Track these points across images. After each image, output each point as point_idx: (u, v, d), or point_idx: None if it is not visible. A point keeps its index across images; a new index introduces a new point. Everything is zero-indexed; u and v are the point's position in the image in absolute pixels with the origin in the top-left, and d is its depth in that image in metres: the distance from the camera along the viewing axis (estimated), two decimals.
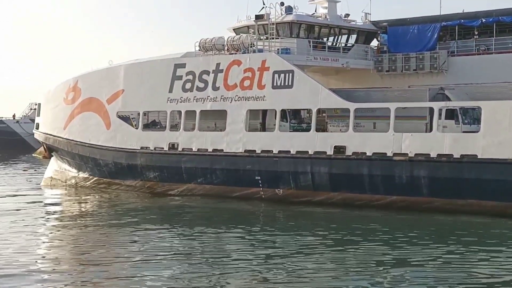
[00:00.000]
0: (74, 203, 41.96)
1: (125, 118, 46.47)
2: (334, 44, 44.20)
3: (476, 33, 41.25)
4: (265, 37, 41.71)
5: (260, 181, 39.47)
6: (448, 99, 36.27)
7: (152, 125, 46.79)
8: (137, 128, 45.32)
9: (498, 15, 39.81)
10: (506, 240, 27.88)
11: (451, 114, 35.59)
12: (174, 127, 44.06)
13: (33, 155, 59.44)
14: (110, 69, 47.40)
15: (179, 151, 42.70)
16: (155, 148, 43.86)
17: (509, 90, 35.37)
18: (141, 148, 44.43)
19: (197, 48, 43.51)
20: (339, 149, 37.14)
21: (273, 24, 41.27)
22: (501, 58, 39.35)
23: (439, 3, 43.14)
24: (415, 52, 41.97)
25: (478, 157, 33.61)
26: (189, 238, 29.11)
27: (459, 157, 34.08)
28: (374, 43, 45.44)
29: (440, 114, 35.28)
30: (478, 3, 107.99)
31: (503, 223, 31.26)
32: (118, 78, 46.33)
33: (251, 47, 41.34)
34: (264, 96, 39.89)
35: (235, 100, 40.82)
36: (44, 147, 51.42)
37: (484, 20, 40.28)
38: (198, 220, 34.32)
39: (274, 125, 39.81)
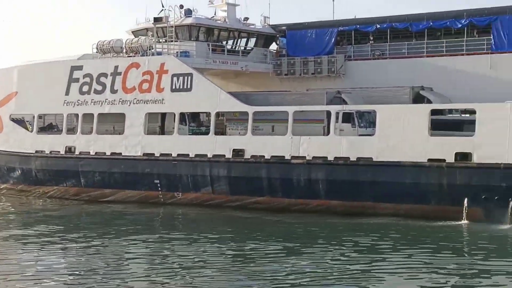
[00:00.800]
0: None
1: (20, 121, 45.17)
2: (234, 47, 44.35)
3: (371, 38, 42.28)
4: (164, 40, 41.41)
5: (159, 185, 39.14)
6: (345, 103, 36.95)
7: (48, 128, 45.67)
8: (31, 131, 44.14)
9: (392, 22, 40.95)
10: (399, 241, 28.58)
11: (347, 117, 36.25)
12: (71, 130, 43.14)
13: None
14: (1, 71, 46.12)
15: (76, 154, 41.85)
16: (50, 152, 42.83)
17: (403, 95, 36.37)
18: (36, 151, 43.29)
19: (95, 50, 42.76)
20: (237, 152, 37.26)
21: (172, 27, 41.02)
22: (395, 63, 40.45)
23: (332, 9, 44.04)
24: (313, 56, 42.65)
25: (373, 159, 34.38)
26: (84, 247, 28.44)
27: (355, 160, 34.77)
28: (273, 46, 45.88)
29: (337, 118, 35.91)
30: (370, 10, 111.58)
31: (397, 224, 32.07)
32: (11, 80, 45.03)
33: (149, 49, 40.96)
34: (163, 99, 39.60)
35: (134, 103, 40.35)
36: None
37: (378, 26, 41.35)
38: (96, 227, 33.54)
39: (173, 128, 39.58)
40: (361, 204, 34.49)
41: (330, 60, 41.99)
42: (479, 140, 32.07)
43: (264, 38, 44.89)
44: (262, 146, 36.71)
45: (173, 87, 39.22)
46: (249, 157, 36.82)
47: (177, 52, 40.91)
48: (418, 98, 36.60)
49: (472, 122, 32.91)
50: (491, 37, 37.81)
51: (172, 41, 40.94)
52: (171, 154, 38.84)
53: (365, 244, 27.87)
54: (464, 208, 31.92)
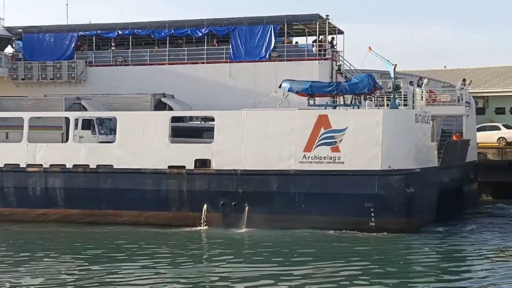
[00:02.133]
0: None
1: None
2: None
3: (113, 44, 41.70)
4: None
5: None
6: (85, 109, 36.08)
7: None
8: None
9: (134, 28, 40.71)
10: (136, 250, 28.24)
11: (87, 124, 35.45)
12: None
13: None
14: None
15: None
16: None
17: (144, 102, 36.28)
18: None
19: None
20: None
21: None
22: (137, 70, 40.24)
23: (66, 13, 43.04)
24: (52, 60, 41.12)
25: (114, 167, 33.85)
26: None
27: (95, 167, 34.00)
28: (9, 49, 43.56)
29: (76, 124, 34.97)
30: (104, 16, 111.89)
31: (136, 232, 31.78)
32: None
33: None
34: None
35: None
36: None
37: (120, 32, 40.89)
38: None
39: None
40: (101, 212, 33.80)
41: (70, 65, 40.78)
42: (217, 147, 32.78)
43: None
44: None
45: None
46: None
47: None
48: (159, 105, 36.69)
49: (212, 129, 33.60)
50: (230, 47, 38.97)
51: None
52: None
53: (102, 254, 27.16)
54: (203, 214, 32.43)
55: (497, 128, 43.82)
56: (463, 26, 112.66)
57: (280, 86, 33.47)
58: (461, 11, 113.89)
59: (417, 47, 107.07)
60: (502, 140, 44.87)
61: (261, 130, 32.26)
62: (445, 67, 61.62)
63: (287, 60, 38.08)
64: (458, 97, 38.00)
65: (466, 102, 38.15)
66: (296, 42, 40.75)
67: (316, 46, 38.11)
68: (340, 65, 38.00)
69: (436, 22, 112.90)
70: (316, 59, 37.27)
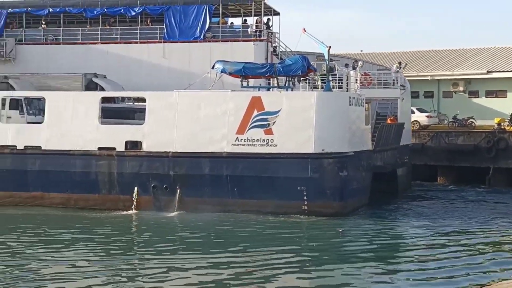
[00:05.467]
0: None
1: None
2: None
3: (44, 22, 40.67)
4: None
5: None
6: (13, 89, 35.17)
7: None
8: None
9: (65, 6, 39.69)
10: (70, 233, 27.67)
11: (15, 104, 34.60)
12: None
13: None
14: None
15: None
16: None
17: (75, 81, 35.56)
18: None
19: None
20: None
21: None
22: (68, 49, 39.33)
23: None
24: None
25: (42, 148, 33.10)
26: None
27: (22, 148, 33.20)
28: None
29: (3, 104, 34.14)
30: None
31: (65, 216, 31.17)
32: None
33: None
34: None
35: None
36: None
37: (51, 10, 39.83)
38: None
39: None
40: (29, 195, 33.09)
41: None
42: (149, 128, 32.26)
43: None
44: None
45: None
46: None
47: None
48: (90, 86, 35.93)
49: (143, 111, 33.03)
50: (164, 27, 38.32)
51: None
52: None
53: (22, 239, 26.47)
54: (134, 197, 31.93)
55: (411, 112, 44.34)
56: (376, 11, 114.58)
57: (213, 67, 33.03)
58: None
59: (337, 31, 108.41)
60: (416, 123, 45.59)
61: (193, 111, 31.83)
62: (361, 51, 62.12)
63: (222, 41, 37.62)
64: (393, 80, 38.13)
65: (401, 85, 38.30)
66: (232, 23, 40.30)
67: (252, 27, 37.70)
68: (275, 47, 37.68)
69: (347, 6, 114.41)
70: (251, 40, 36.89)
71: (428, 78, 53.77)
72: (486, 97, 52.31)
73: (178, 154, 31.76)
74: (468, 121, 46.18)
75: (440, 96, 54.34)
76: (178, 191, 31.64)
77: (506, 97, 51.46)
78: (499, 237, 27.07)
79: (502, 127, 42.97)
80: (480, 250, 24.39)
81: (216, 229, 28.54)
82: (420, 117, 46.26)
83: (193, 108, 31.84)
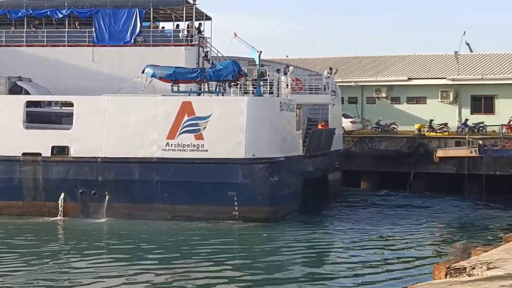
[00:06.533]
0: None
1: None
2: None
3: None
4: None
5: None
6: None
7: None
8: None
9: None
10: None
11: None
12: None
13: None
14: None
15: None
16: None
17: None
18: None
19: None
20: None
21: None
22: None
23: None
24: None
25: None
26: None
27: None
28: None
29: None
30: None
31: None
32: None
33: None
34: None
35: None
36: None
37: None
38: None
39: None
40: None
41: None
42: (76, 133, 30.41)
43: None
44: None
45: None
46: None
47: None
48: (15, 89, 33.63)
49: (71, 115, 31.04)
50: (93, 30, 36.24)
51: None
52: None
53: None
54: (60, 203, 29.94)
55: None
56: (305, 17, 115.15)
57: (143, 72, 31.41)
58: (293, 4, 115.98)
59: (266, 36, 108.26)
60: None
61: (122, 116, 30.18)
62: (287, 56, 61.31)
63: (153, 45, 35.78)
64: (324, 85, 37.14)
65: (332, 90, 37.33)
66: (163, 27, 38.56)
67: (183, 32, 36.04)
68: (207, 52, 36.16)
69: (277, 13, 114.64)
70: (182, 45, 35.22)
71: (352, 84, 53.12)
72: (407, 103, 51.93)
73: (107, 159, 30.05)
74: (391, 126, 45.66)
75: (364, 102, 53.75)
76: (107, 197, 29.88)
77: (426, 103, 51.20)
78: (423, 241, 26.70)
79: (422, 133, 42.67)
80: (405, 254, 24.00)
81: (145, 235, 27.10)
82: (345, 123, 45.50)
83: (122, 113, 30.17)
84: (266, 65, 35.12)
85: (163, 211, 29.60)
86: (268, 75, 32.23)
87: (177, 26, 37.25)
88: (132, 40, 35.79)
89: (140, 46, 35.71)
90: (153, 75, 30.98)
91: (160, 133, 29.71)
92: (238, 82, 31.71)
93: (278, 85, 32.29)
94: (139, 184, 29.89)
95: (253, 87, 31.47)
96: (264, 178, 29.59)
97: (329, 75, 38.42)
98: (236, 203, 29.22)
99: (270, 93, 31.83)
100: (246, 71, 32.00)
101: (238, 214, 29.23)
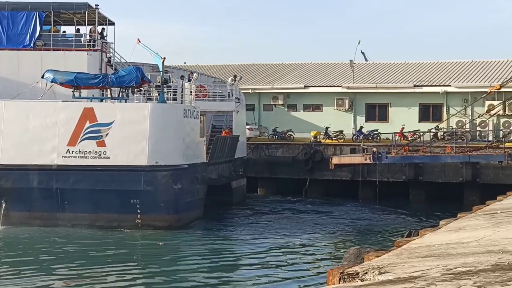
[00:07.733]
0: None
1: None
2: None
3: None
4: None
5: None
6: None
7: None
8: None
9: None
10: None
11: None
12: None
13: None
14: None
15: None
16: None
17: None
18: None
19: None
20: None
21: None
22: None
23: None
24: None
25: None
26: None
27: None
28: None
29: None
30: None
31: None
32: None
33: None
34: None
35: None
36: None
37: None
38: None
39: None
40: None
41: None
42: None
43: None
44: None
45: None
46: None
47: None
48: None
49: None
50: None
51: None
52: None
53: None
54: None
55: None
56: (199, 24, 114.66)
57: (42, 76, 29.39)
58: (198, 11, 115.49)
59: (164, 43, 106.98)
60: None
61: (21, 122, 28.19)
62: (184, 63, 60.19)
63: (54, 50, 33.64)
64: (229, 92, 36.05)
65: (236, 98, 36.30)
66: (64, 31, 36.37)
67: (85, 36, 34.05)
68: (110, 57, 34.36)
69: (174, 20, 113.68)
70: (84, 50, 33.25)
71: (250, 91, 52.30)
72: (303, 110, 51.54)
73: (4, 167, 28.00)
74: (287, 134, 45.07)
75: (261, 109, 53.01)
76: (4, 205, 27.77)
77: (321, 111, 50.95)
78: (318, 247, 26.08)
79: (318, 140, 42.30)
80: (301, 259, 23.64)
81: (43, 244, 25.33)
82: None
83: (21, 119, 28.17)
84: (170, 71, 33.79)
85: (62, 220, 27.84)
86: (172, 82, 30.91)
87: (78, 30, 35.19)
88: (32, 44, 33.55)
89: (40, 50, 33.52)
90: (53, 80, 29.09)
91: (60, 139, 27.89)
92: (141, 88, 30.24)
93: (182, 91, 31.05)
94: (38, 192, 27.95)
95: (157, 94, 30.01)
96: (167, 185, 28.29)
97: (233, 82, 37.38)
98: (139, 211, 27.79)
99: (174, 99, 30.52)
100: (149, 78, 30.53)
101: (141, 222, 27.83)
